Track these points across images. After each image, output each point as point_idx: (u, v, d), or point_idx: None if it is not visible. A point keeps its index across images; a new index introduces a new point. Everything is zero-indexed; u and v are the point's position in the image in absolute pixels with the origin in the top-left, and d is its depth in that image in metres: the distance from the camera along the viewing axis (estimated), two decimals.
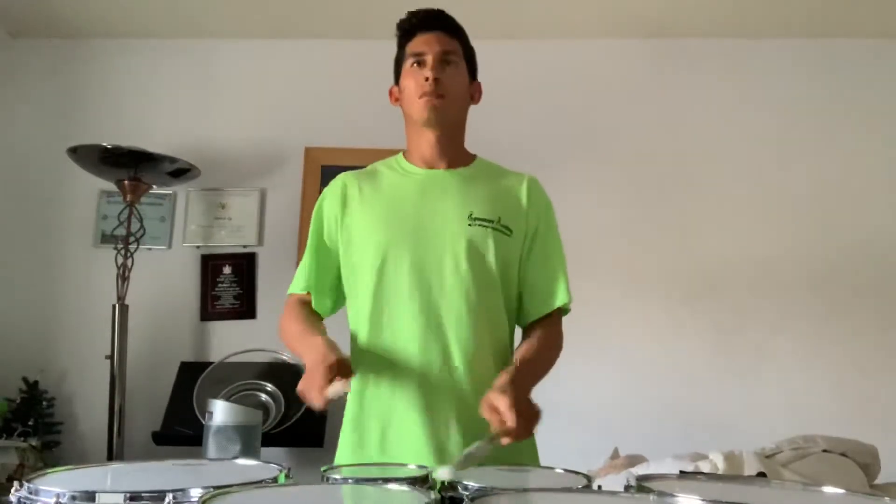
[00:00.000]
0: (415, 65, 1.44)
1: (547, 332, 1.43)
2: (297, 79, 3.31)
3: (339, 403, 2.96)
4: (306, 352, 1.32)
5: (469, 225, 1.39)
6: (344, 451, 1.45)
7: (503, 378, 1.22)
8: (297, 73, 3.32)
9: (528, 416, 1.17)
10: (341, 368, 1.25)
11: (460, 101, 1.47)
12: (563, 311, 1.47)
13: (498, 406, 1.15)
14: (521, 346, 1.41)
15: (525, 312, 1.47)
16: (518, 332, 1.49)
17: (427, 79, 1.41)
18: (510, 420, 1.12)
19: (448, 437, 1.32)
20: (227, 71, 3.33)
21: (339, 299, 1.51)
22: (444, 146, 1.47)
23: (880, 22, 3.09)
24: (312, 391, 1.24)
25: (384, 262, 1.38)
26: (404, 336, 1.36)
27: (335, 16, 3.17)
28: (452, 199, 1.42)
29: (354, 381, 1.39)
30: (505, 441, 1.14)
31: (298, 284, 1.51)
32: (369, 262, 1.40)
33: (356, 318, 1.43)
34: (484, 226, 1.40)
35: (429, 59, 1.42)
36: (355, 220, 1.45)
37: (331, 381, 1.22)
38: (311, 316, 1.48)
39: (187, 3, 3.11)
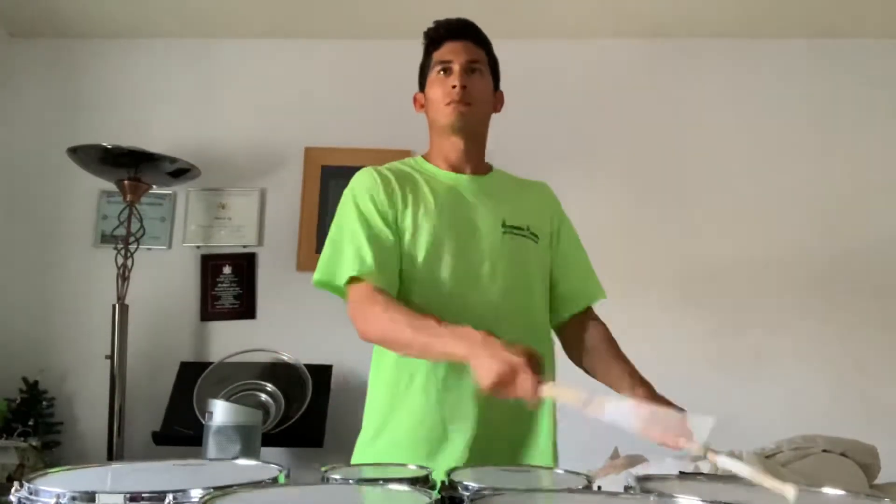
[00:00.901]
0: (441, 73, 1.46)
1: (611, 336, 1.53)
2: (297, 79, 3.31)
3: (339, 401, 2.95)
4: (462, 342, 1.17)
5: (503, 233, 1.43)
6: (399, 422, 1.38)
7: (647, 393, 1.35)
8: (297, 73, 3.32)
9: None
10: (537, 358, 1.12)
11: (485, 109, 1.51)
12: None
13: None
14: (611, 357, 1.49)
15: (562, 309, 1.52)
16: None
17: (454, 86, 1.43)
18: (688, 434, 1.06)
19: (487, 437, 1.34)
20: (227, 71, 3.33)
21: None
22: (470, 153, 1.49)
23: (880, 22, 3.09)
24: (527, 385, 1.08)
25: (427, 263, 1.37)
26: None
27: (335, 16, 3.17)
28: (484, 205, 1.45)
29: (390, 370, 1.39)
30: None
31: (369, 267, 1.32)
32: (414, 261, 1.37)
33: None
34: (515, 234, 1.44)
35: (456, 67, 1.45)
36: (402, 215, 1.40)
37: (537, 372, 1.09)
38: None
39: (188, 3, 3.11)
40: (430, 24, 1.52)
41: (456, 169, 1.49)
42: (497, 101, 1.56)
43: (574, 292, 1.52)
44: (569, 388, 1.05)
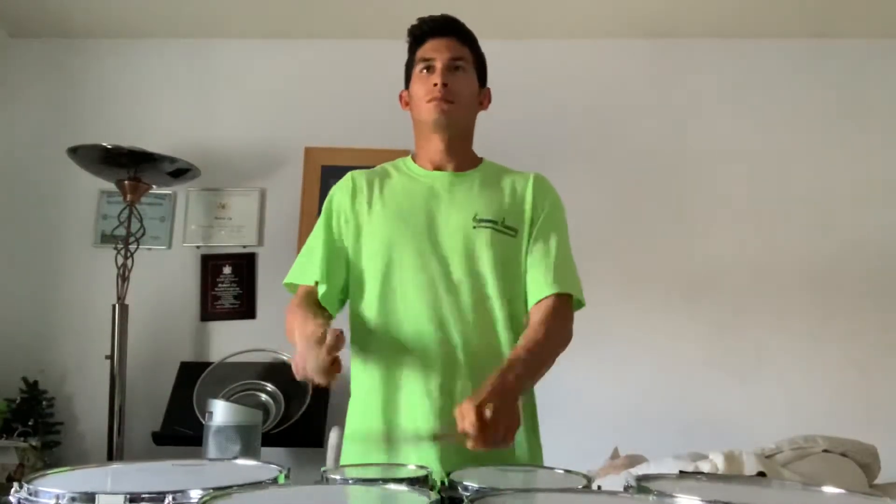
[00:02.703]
0: (424, 70, 1.46)
1: (544, 321, 1.37)
2: (297, 79, 3.31)
3: (339, 401, 2.95)
4: (298, 333, 1.30)
5: (473, 227, 1.42)
6: (352, 426, 1.45)
7: (486, 382, 1.21)
8: (297, 73, 3.32)
9: (504, 424, 1.14)
10: (336, 341, 1.20)
11: (469, 106, 1.50)
12: (575, 301, 1.44)
13: (464, 413, 1.13)
14: (519, 342, 1.37)
15: (529, 301, 1.45)
16: None
17: (436, 84, 1.43)
18: (469, 428, 1.11)
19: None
20: (227, 71, 3.33)
21: (345, 297, 1.50)
22: (452, 150, 1.49)
23: (880, 22, 3.09)
24: (312, 368, 1.22)
25: (390, 261, 1.41)
26: (410, 332, 1.38)
27: (335, 16, 3.17)
28: (458, 201, 1.45)
29: (361, 378, 1.43)
30: (471, 446, 1.13)
31: (306, 275, 1.46)
32: (376, 260, 1.42)
33: (360, 314, 1.44)
34: (487, 227, 1.42)
35: (438, 64, 1.45)
36: (364, 218, 1.46)
37: (329, 352, 1.19)
38: (318, 307, 1.43)
39: (187, 3, 3.11)
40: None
41: (438, 166, 1.49)
42: (483, 98, 1.54)
43: (534, 287, 1.43)
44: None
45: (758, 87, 3.20)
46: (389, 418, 1.37)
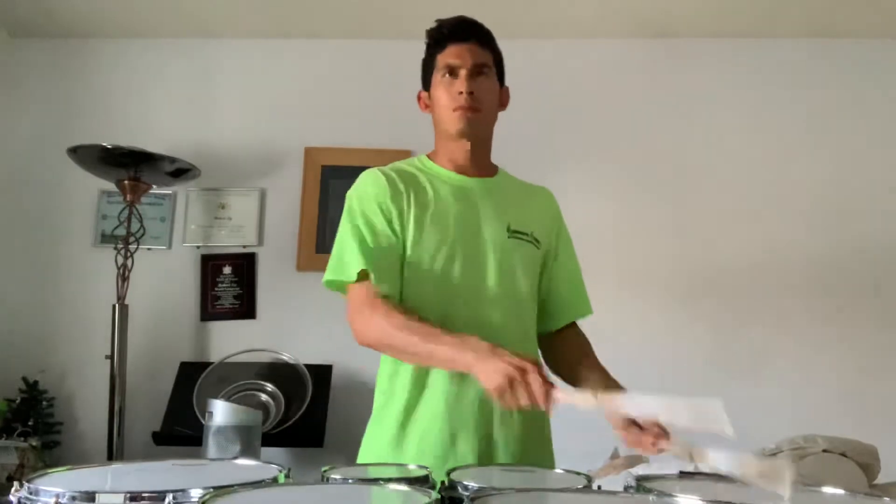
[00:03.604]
0: (447, 76, 1.44)
1: (589, 348, 1.52)
2: (297, 79, 3.31)
3: (339, 401, 2.95)
4: (469, 350, 1.19)
5: (508, 237, 1.43)
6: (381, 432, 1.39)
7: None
8: (297, 73, 3.31)
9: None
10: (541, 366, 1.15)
11: (492, 112, 1.50)
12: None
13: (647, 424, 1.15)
14: (589, 364, 1.47)
15: (549, 321, 1.51)
16: None
17: (461, 92, 1.41)
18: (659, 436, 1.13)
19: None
20: (227, 71, 3.33)
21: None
22: (476, 155, 1.49)
23: (881, 22, 3.09)
24: (537, 387, 1.10)
25: (435, 266, 1.37)
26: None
27: (335, 16, 3.17)
28: (491, 209, 1.45)
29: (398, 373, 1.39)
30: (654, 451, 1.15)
31: (369, 265, 1.33)
32: (422, 264, 1.37)
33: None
34: (520, 238, 1.44)
35: (462, 72, 1.43)
36: (408, 217, 1.39)
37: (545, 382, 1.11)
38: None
39: (188, 3, 3.11)
40: (432, 24, 1.49)
41: (462, 171, 1.48)
42: (503, 97, 1.55)
43: (564, 306, 1.51)
44: (578, 391, 1.07)
45: (758, 87, 3.20)
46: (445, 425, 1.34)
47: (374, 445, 1.39)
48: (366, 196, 1.41)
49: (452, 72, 1.43)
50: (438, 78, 1.45)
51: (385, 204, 1.39)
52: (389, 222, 1.38)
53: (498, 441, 1.35)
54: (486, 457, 1.33)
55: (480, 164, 1.50)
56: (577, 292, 1.54)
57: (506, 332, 1.36)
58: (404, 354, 1.33)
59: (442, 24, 1.48)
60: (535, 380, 1.09)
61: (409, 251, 1.38)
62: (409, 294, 1.37)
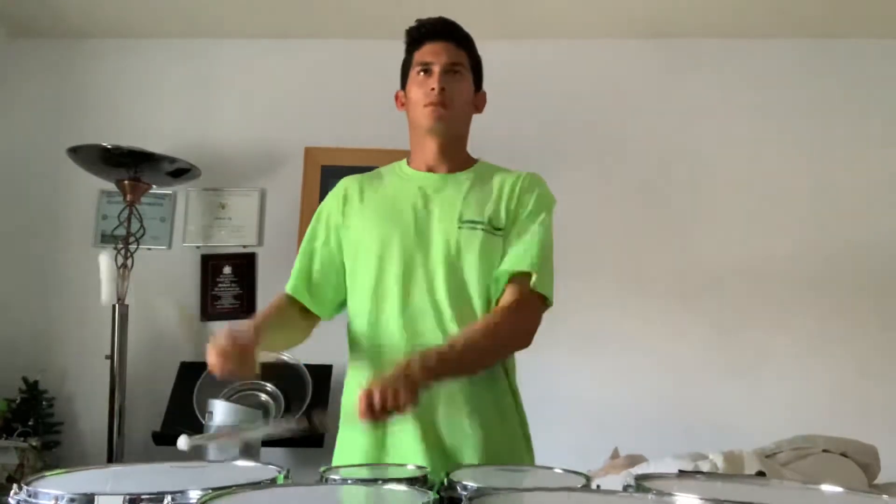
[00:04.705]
0: (421, 73, 1.47)
1: (503, 313, 1.35)
2: (297, 79, 3.31)
3: (339, 401, 2.95)
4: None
5: (458, 227, 1.42)
6: (343, 446, 1.48)
7: (400, 361, 1.21)
8: (297, 73, 3.32)
9: (387, 403, 1.12)
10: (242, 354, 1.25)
11: (464, 111, 1.51)
12: (543, 299, 1.39)
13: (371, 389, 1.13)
14: (467, 328, 1.35)
15: (494, 289, 1.41)
16: None
17: (433, 88, 1.43)
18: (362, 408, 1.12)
19: (435, 424, 1.35)
20: (227, 71, 3.33)
21: (343, 300, 1.52)
22: (446, 153, 1.50)
23: (880, 22, 3.08)
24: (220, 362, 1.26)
25: (379, 262, 1.42)
26: (394, 334, 1.39)
27: (335, 16, 3.17)
28: (446, 202, 1.45)
29: (353, 375, 1.46)
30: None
31: (288, 285, 1.53)
32: (365, 262, 1.44)
33: (353, 316, 1.48)
34: (472, 227, 1.42)
35: (436, 69, 1.45)
36: (353, 221, 1.49)
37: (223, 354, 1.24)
38: (277, 309, 1.49)
39: (187, 3, 3.11)
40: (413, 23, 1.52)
41: (432, 168, 1.50)
42: (479, 102, 1.55)
43: (499, 272, 1.39)
44: None
45: (758, 88, 3.20)
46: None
47: (341, 444, 1.49)
48: (318, 212, 1.55)
49: (426, 69, 1.46)
50: (413, 75, 1.49)
51: (331, 214, 1.52)
52: (327, 232, 1.51)
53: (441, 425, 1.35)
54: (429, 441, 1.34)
55: (451, 160, 1.51)
56: (515, 252, 1.39)
57: (445, 326, 1.37)
58: None
59: (421, 23, 1.51)
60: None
61: (351, 254, 1.48)
62: (350, 290, 1.48)
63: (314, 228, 1.53)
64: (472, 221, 1.42)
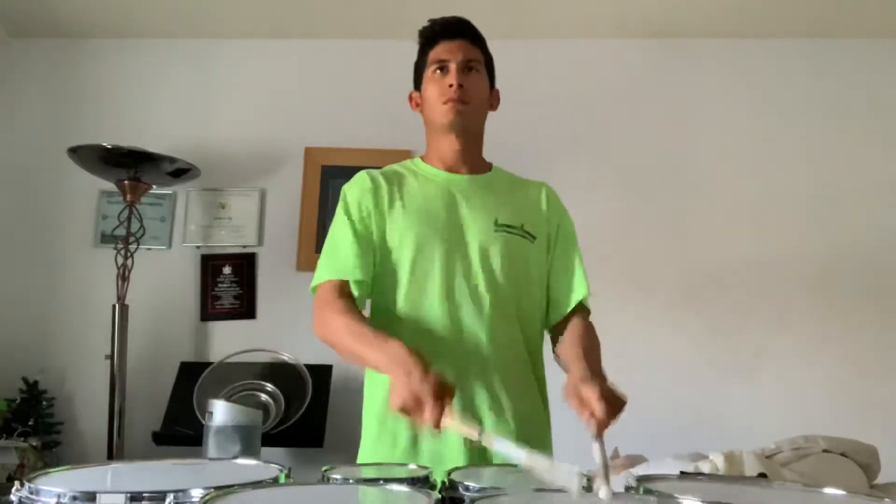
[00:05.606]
0: (438, 71, 1.46)
1: (585, 328, 1.45)
2: (297, 79, 3.31)
3: (339, 401, 2.94)
4: (385, 357, 1.22)
5: (495, 231, 1.43)
6: (370, 448, 1.42)
7: (581, 369, 1.24)
8: (297, 73, 3.32)
9: (614, 404, 1.14)
10: (446, 389, 1.12)
11: (482, 108, 1.51)
12: (587, 310, 1.51)
13: (588, 397, 1.13)
14: (569, 343, 1.40)
15: (553, 311, 1.50)
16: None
17: (451, 85, 1.43)
18: (599, 411, 1.11)
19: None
20: (227, 71, 3.33)
21: (370, 292, 1.44)
22: (466, 152, 1.50)
23: (880, 22, 3.09)
24: (427, 415, 1.09)
25: (417, 262, 1.40)
26: (431, 334, 1.37)
27: (335, 16, 3.17)
28: (478, 205, 1.45)
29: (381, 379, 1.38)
30: (593, 429, 1.12)
31: (340, 269, 1.38)
32: (403, 260, 1.40)
33: (384, 310, 1.43)
34: (509, 232, 1.44)
35: (452, 66, 1.45)
36: (388, 216, 1.43)
37: (441, 403, 1.10)
38: (361, 314, 1.37)
39: (188, 3, 3.11)
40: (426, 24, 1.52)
41: (452, 169, 1.50)
42: (493, 100, 1.55)
43: (560, 297, 1.49)
44: (465, 423, 1.10)
45: (757, 87, 3.20)
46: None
47: (365, 444, 1.43)
48: (349, 201, 1.45)
49: (443, 67, 1.46)
50: (429, 74, 1.48)
51: (366, 207, 1.43)
52: (367, 226, 1.42)
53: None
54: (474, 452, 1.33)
55: (471, 160, 1.51)
56: (570, 280, 1.49)
57: (496, 321, 1.38)
58: (343, 354, 1.37)
59: (434, 22, 1.51)
60: (427, 409, 1.09)
61: (392, 252, 1.42)
62: (393, 294, 1.40)
63: (348, 218, 1.42)
64: (508, 226, 1.44)
